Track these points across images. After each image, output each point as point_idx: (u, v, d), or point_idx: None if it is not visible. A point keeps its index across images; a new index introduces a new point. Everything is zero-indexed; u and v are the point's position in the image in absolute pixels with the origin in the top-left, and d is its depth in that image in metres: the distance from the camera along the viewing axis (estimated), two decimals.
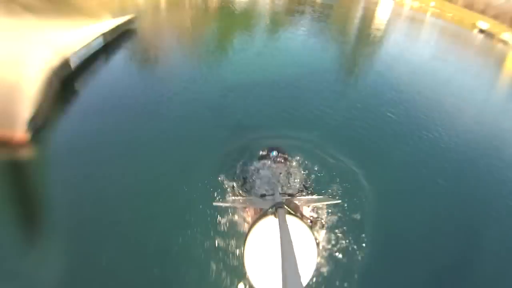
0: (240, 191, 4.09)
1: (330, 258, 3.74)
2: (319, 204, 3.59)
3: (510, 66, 25.22)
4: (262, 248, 1.80)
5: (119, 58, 11.91)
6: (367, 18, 30.34)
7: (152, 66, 11.39)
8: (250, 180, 4.14)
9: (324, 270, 3.62)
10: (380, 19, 31.72)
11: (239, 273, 3.49)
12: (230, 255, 3.66)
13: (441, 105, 11.47)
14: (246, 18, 19.75)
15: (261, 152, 4.72)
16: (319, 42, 16.30)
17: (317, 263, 1.82)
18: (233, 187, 4.29)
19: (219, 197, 4.33)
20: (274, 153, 4.44)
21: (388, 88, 11.29)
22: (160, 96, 7.99)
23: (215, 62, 11.20)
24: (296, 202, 2.45)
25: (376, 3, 43.15)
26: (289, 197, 2.82)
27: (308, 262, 1.75)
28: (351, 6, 37.55)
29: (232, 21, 19.15)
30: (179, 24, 17.31)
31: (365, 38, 20.48)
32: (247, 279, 1.77)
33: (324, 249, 3.75)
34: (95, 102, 8.20)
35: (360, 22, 27.80)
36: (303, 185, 4.15)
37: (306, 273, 1.71)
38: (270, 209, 1.98)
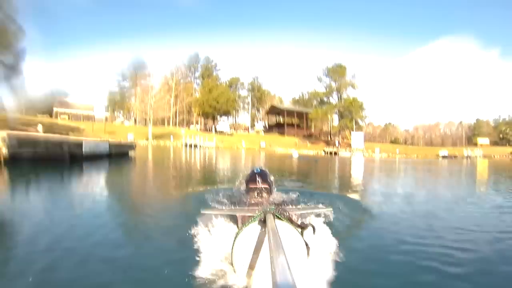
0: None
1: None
2: (310, 211, 3.49)
3: (481, 167, 30.34)
4: (250, 252, 1.82)
5: (118, 167, 13.93)
6: (344, 170, 32.24)
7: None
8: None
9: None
10: (356, 169, 33.88)
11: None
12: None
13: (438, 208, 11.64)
14: (230, 176, 21.13)
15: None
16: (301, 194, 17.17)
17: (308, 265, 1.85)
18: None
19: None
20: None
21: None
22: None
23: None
24: (286, 210, 2.45)
25: (349, 158, 46.67)
26: (279, 206, 2.73)
27: (299, 264, 1.79)
28: (327, 162, 40.30)
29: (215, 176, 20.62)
30: (166, 164, 19.12)
31: (347, 182, 21.52)
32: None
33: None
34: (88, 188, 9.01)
35: (338, 172, 29.53)
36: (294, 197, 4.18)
37: (297, 275, 1.64)
38: (259, 215, 2.01)
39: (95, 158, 13.16)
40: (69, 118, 68.08)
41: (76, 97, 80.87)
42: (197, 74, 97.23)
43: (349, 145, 61.20)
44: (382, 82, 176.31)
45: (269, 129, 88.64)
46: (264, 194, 3.74)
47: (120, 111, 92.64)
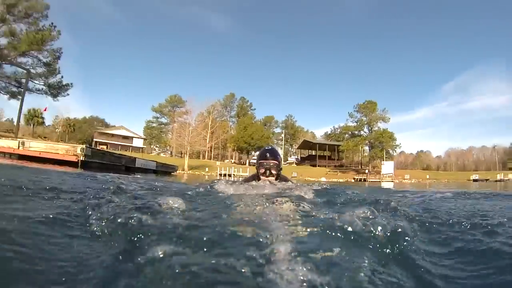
0: None
1: None
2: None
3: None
4: None
5: (160, 177, 16.49)
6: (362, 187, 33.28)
7: None
8: None
9: None
10: (387, 191, 34.93)
11: None
12: None
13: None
14: None
15: None
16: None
17: None
18: None
19: None
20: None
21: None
22: None
23: None
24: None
25: (378, 182, 47.51)
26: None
27: None
28: (356, 187, 41.48)
29: None
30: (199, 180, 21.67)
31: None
32: None
33: None
34: None
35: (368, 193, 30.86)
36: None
37: None
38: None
39: (144, 171, 16.28)
40: (107, 148, 72.86)
41: (114, 129, 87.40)
42: (232, 113, 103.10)
43: (379, 173, 61.88)
44: (416, 109, 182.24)
45: (301, 161, 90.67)
46: (273, 171, 4.01)
47: (157, 144, 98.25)
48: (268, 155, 4.07)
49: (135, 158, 16.14)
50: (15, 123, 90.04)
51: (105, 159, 13.48)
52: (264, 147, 4.50)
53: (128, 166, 14.64)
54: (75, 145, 13.30)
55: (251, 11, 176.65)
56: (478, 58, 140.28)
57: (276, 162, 4.04)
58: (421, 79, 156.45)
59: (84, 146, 12.61)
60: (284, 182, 4.14)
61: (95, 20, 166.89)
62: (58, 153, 12.24)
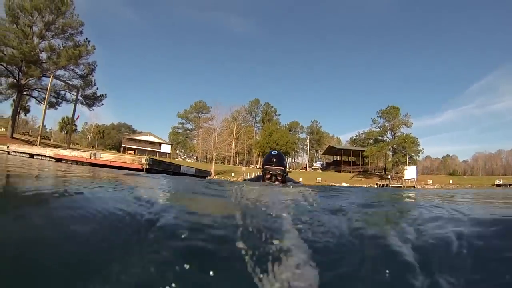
0: None
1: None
2: None
3: None
4: None
5: (199, 179, 18.46)
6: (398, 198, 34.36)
7: None
8: None
9: None
10: (410, 197, 35.77)
11: None
12: None
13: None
14: None
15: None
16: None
17: None
18: None
19: None
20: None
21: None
22: None
23: None
24: None
25: (401, 187, 48.20)
26: None
27: None
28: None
29: None
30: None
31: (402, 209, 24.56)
32: None
33: None
34: None
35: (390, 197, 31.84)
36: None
37: None
38: None
39: (186, 175, 18.95)
40: (135, 153, 76.20)
41: (141, 135, 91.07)
42: (257, 118, 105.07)
43: (401, 178, 62.24)
44: (441, 111, 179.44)
45: (326, 166, 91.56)
46: (279, 177, 3.93)
47: (182, 150, 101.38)
48: (274, 160, 4.01)
49: (180, 165, 19.59)
50: (47, 130, 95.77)
51: (160, 167, 16.38)
52: (270, 151, 4.37)
53: (175, 172, 17.61)
54: (139, 156, 15.90)
55: (276, 15, 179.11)
56: (509, 55, 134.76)
57: (282, 167, 3.98)
58: (446, 80, 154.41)
59: (147, 157, 15.83)
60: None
61: (120, 28, 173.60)
62: (125, 162, 15.22)
